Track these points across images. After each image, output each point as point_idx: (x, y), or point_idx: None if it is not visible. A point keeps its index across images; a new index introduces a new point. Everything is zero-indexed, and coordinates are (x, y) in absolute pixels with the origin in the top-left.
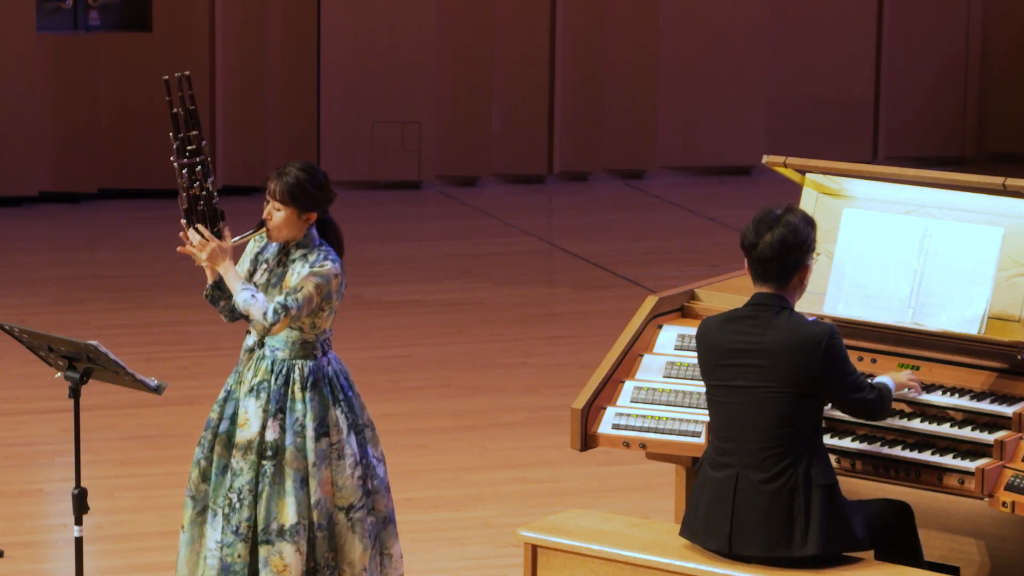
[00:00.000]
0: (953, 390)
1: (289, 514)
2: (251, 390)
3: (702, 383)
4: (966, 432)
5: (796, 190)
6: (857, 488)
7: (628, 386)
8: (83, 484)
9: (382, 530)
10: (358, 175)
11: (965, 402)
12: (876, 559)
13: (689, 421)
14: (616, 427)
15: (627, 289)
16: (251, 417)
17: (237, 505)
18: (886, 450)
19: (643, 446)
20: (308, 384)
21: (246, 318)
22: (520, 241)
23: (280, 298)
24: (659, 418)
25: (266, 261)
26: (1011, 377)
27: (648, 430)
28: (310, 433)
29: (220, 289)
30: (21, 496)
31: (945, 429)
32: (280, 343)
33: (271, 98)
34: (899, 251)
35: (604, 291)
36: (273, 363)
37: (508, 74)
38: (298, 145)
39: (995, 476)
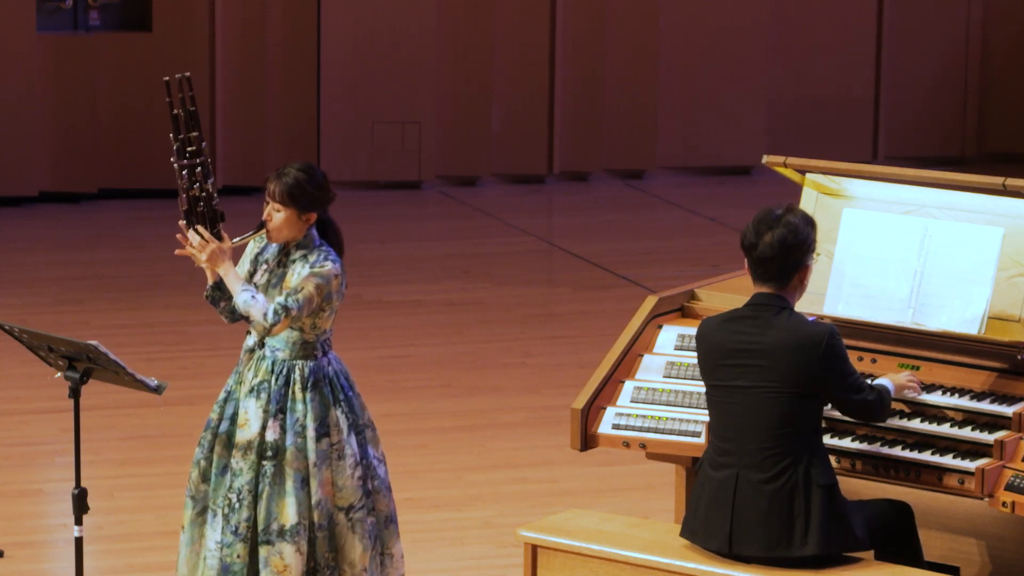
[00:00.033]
0: (953, 390)
1: (289, 514)
2: (251, 390)
3: (702, 383)
4: (966, 432)
5: (796, 190)
6: (857, 488)
7: (628, 386)
8: (83, 484)
9: (383, 530)
10: (358, 175)
11: (965, 402)
12: (876, 559)
13: (689, 421)
14: (616, 427)
15: (627, 289)
16: (251, 417)
17: (236, 505)
18: (886, 450)
19: (643, 446)
20: (308, 384)
21: (246, 319)
22: (520, 241)
23: (280, 299)
24: (659, 418)
25: (266, 262)
26: (1011, 377)
27: (648, 430)
28: (311, 433)
29: (220, 290)
30: (21, 496)
31: (945, 429)
32: (280, 343)
33: (271, 98)
34: (899, 251)
35: (604, 291)
36: (273, 363)
37: (508, 74)
38: (298, 145)
39: (995, 476)
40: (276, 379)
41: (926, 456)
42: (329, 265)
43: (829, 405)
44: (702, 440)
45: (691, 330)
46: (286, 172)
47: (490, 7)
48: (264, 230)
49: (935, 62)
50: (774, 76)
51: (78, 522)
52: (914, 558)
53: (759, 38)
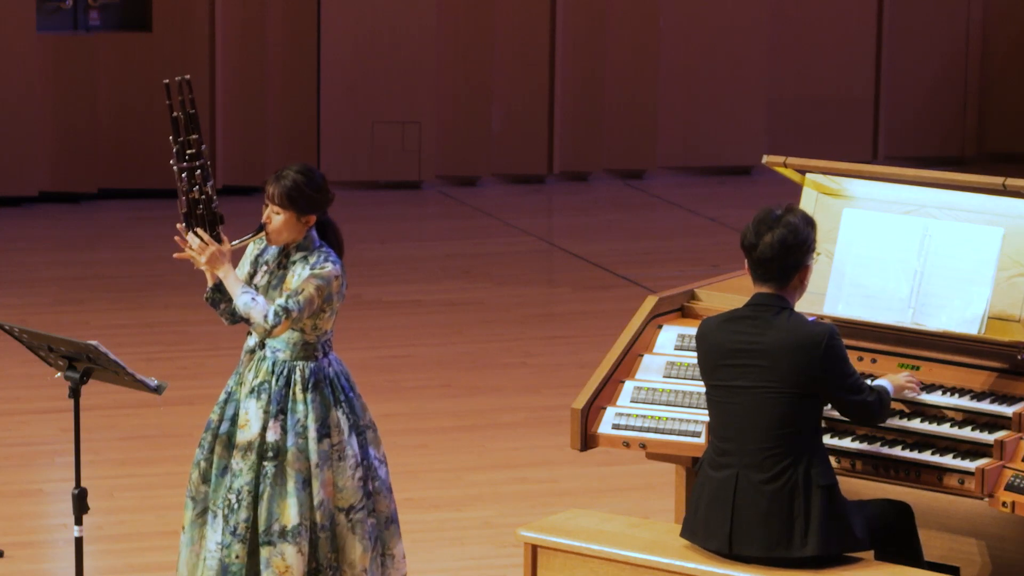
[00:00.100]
0: (953, 390)
1: (291, 515)
2: (252, 391)
3: (702, 383)
4: (966, 432)
5: (796, 190)
6: (857, 488)
7: (628, 386)
8: (83, 484)
9: (384, 531)
10: (358, 175)
11: (965, 402)
12: (876, 559)
13: (689, 421)
14: (616, 427)
15: (627, 289)
16: (251, 418)
17: (236, 506)
18: (886, 450)
19: (643, 446)
20: (309, 385)
21: (247, 321)
22: (520, 241)
23: (281, 300)
24: (659, 418)
25: (266, 263)
26: (1011, 377)
27: (648, 430)
28: (312, 434)
29: (220, 292)
30: (21, 496)
31: (945, 429)
32: (281, 344)
33: (271, 98)
34: (899, 251)
35: (604, 291)
36: (274, 364)
37: (508, 74)
38: (298, 145)
39: (995, 476)
40: (277, 380)
41: (926, 456)
42: (329, 266)
43: (829, 405)
44: (702, 440)
45: (691, 330)
46: (284, 175)
47: (490, 7)
48: (264, 232)
49: (935, 62)
50: (774, 76)
51: (78, 522)
52: (914, 558)
53: (759, 38)
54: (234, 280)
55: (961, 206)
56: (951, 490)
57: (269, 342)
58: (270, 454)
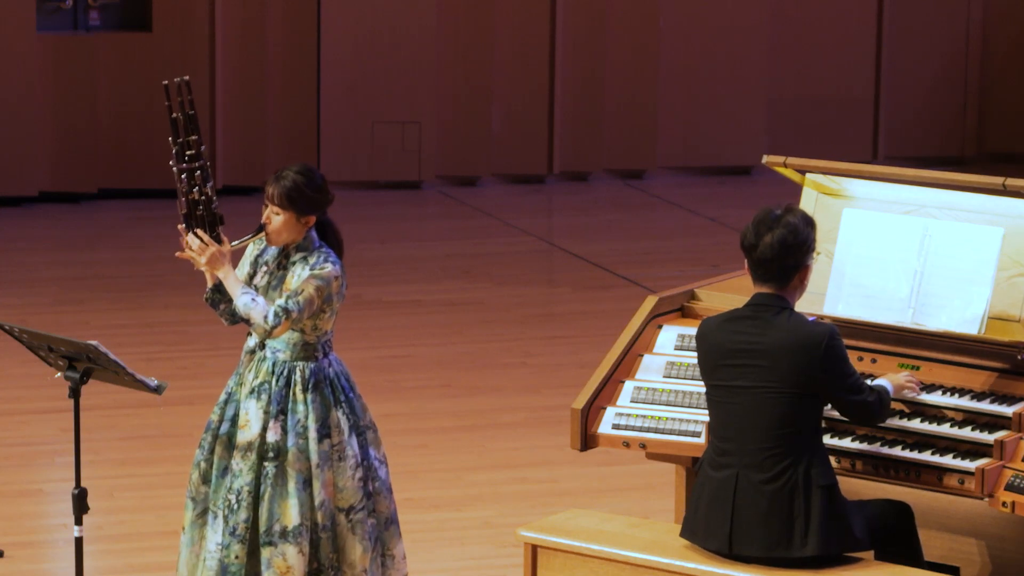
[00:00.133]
0: (953, 390)
1: (292, 515)
2: (252, 392)
3: (702, 383)
4: (966, 432)
5: (796, 190)
6: (857, 488)
7: (628, 386)
8: (83, 484)
9: (384, 531)
10: (358, 175)
11: (965, 402)
12: (876, 559)
13: (689, 421)
14: (616, 427)
15: (627, 289)
16: (252, 419)
17: (236, 506)
18: (886, 450)
19: (643, 446)
20: (309, 386)
21: (247, 322)
22: (520, 241)
23: (281, 301)
24: (659, 418)
25: (266, 264)
26: (1011, 377)
27: (648, 430)
28: (312, 435)
29: (220, 292)
30: (21, 496)
31: (945, 429)
32: (281, 345)
33: (271, 98)
34: (899, 251)
35: (604, 291)
36: (274, 365)
37: (508, 74)
38: (298, 145)
39: (995, 476)
40: (277, 380)
41: (926, 456)
42: (329, 267)
43: (829, 405)
44: (702, 440)
45: (691, 330)
46: (284, 175)
47: (490, 7)
48: (263, 233)
49: (935, 62)
50: (774, 76)
51: (78, 522)
52: (914, 558)
53: (759, 38)
54: (234, 281)
55: (961, 206)
56: (951, 490)
57: (269, 343)
58: (271, 454)
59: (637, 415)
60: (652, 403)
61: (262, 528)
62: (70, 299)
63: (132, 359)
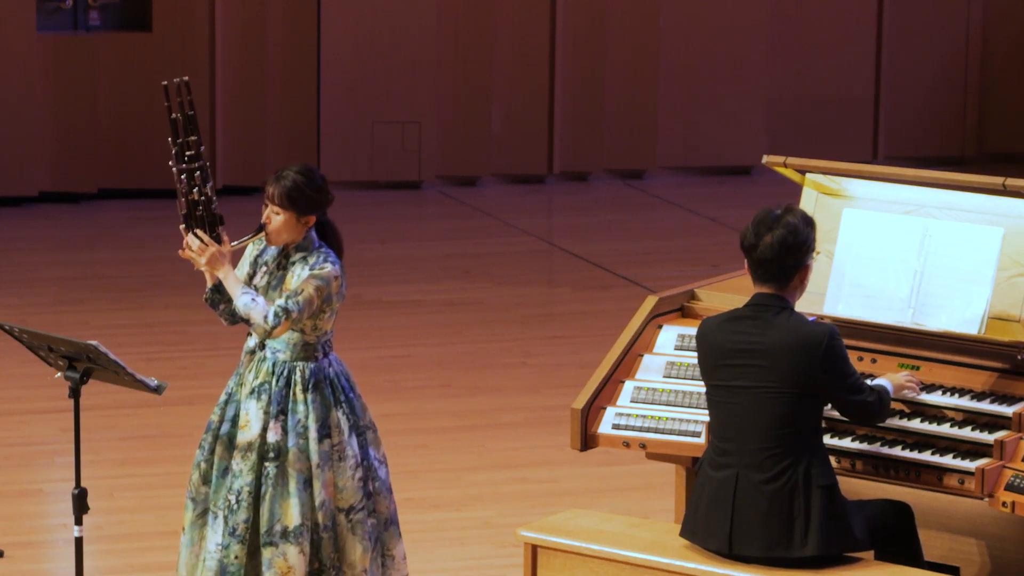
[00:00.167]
0: (953, 390)
1: (293, 515)
2: (252, 392)
3: (702, 383)
4: (966, 432)
5: (796, 190)
6: (857, 488)
7: (628, 386)
8: (83, 484)
9: (384, 532)
10: (358, 175)
11: (965, 402)
12: (876, 559)
13: (689, 421)
14: (616, 427)
15: (627, 289)
16: (252, 419)
17: (236, 507)
18: (886, 450)
19: (643, 446)
20: (309, 386)
21: (247, 322)
22: (520, 241)
23: (280, 301)
24: (659, 418)
25: (266, 264)
26: (1011, 377)
27: (648, 430)
28: (312, 435)
29: (219, 293)
30: (21, 496)
31: (945, 429)
32: (281, 345)
33: (271, 98)
34: (899, 251)
35: (604, 291)
36: (274, 365)
37: (508, 74)
38: (298, 145)
39: (995, 476)
40: (277, 380)
41: (926, 456)
42: (329, 267)
43: (829, 405)
44: (702, 440)
45: (691, 330)
46: (284, 175)
47: (490, 7)
48: (263, 233)
49: (935, 62)
50: (774, 76)
51: (78, 522)
52: (914, 558)
53: (759, 38)
54: (234, 281)
55: (961, 206)
56: (951, 490)
57: (269, 343)
58: (271, 455)
59: (637, 415)
60: (652, 403)
61: (263, 528)
62: (70, 299)
63: (132, 359)
